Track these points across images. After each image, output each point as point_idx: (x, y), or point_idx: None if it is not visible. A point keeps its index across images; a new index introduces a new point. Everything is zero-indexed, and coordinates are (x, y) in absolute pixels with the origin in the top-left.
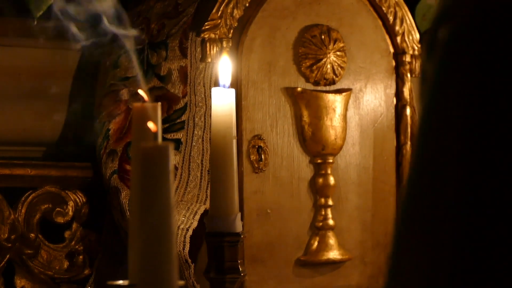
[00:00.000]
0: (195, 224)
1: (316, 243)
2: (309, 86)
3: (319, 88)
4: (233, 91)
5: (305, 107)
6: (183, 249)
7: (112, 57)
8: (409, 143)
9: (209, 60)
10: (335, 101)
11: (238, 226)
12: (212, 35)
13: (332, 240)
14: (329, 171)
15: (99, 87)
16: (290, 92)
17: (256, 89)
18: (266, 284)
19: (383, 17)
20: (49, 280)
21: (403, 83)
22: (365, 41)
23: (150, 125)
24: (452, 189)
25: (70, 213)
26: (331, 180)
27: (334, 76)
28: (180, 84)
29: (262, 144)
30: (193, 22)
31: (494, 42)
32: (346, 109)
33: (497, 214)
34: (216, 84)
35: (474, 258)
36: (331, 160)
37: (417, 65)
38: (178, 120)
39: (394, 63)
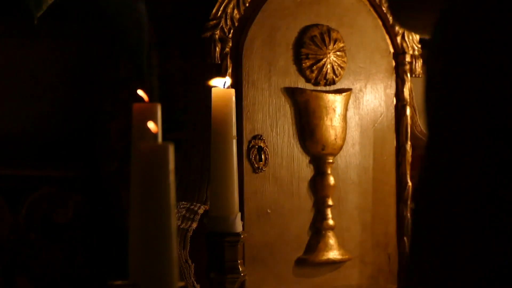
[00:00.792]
0: (195, 224)
1: (316, 243)
2: (309, 86)
3: (319, 88)
4: (233, 91)
5: (305, 107)
6: (183, 249)
7: (113, 57)
8: (409, 143)
9: (209, 60)
10: (335, 101)
11: (238, 226)
12: (212, 35)
13: (332, 240)
14: (329, 171)
15: (99, 87)
16: (290, 92)
17: (256, 89)
18: (266, 284)
19: (383, 17)
20: (49, 280)
21: (403, 83)
22: (365, 41)
23: (150, 125)
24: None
25: (70, 213)
26: (331, 180)
27: (334, 76)
28: (180, 84)
29: (262, 144)
30: (193, 22)
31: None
32: (346, 109)
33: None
34: (216, 84)
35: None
36: (331, 160)
37: (417, 65)
38: (178, 120)
39: (394, 63)
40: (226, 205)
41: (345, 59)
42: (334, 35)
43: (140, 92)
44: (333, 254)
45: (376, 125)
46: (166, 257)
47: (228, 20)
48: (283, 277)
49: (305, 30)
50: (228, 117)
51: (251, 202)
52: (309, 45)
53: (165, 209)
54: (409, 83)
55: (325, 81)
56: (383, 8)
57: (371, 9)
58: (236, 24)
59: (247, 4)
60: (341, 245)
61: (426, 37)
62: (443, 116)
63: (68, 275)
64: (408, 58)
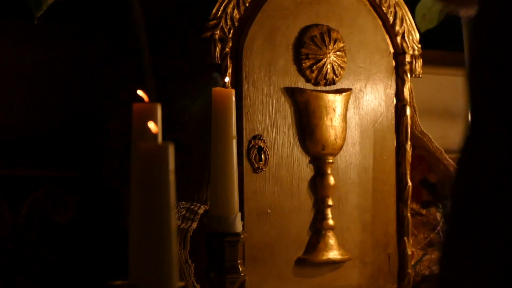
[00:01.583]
0: (195, 224)
1: (316, 243)
2: (309, 86)
3: (319, 88)
4: (233, 91)
5: (305, 107)
6: (183, 249)
7: (113, 57)
8: (409, 143)
9: (209, 60)
10: (335, 101)
11: (238, 226)
12: (212, 35)
13: (332, 240)
14: (329, 171)
15: (99, 87)
16: (290, 92)
17: (256, 89)
18: (266, 284)
19: (383, 17)
20: (49, 280)
21: (403, 83)
22: (365, 41)
23: (150, 125)
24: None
25: (70, 213)
26: (331, 180)
27: (334, 76)
28: (180, 84)
29: (262, 144)
30: (194, 22)
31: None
32: (346, 109)
33: None
34: (216, 84)
35: None
36: (331, 160)
37: (417, 65)
38: (178, 120)
39: (394, 63)
40: (226, 205)
41: (345, 59)
42: (334, 35)
43: (140, 92)
44: (333, 254)
45: (376, 125)
46: (166, 257)
47: (228, 20)
48: (283, 277)
49: (305, 30)
50: (228, 117)
51: (251, 202)
52: (309, 45)
53: (165, 209)
54: (409, 83)
55: (325, 81)
56: (383, 8)
57: (371, 9)
58: (236, 24)
59: (247, 4)
60: (341, 245)
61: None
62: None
63: (68, 275)
64: (408, 58)
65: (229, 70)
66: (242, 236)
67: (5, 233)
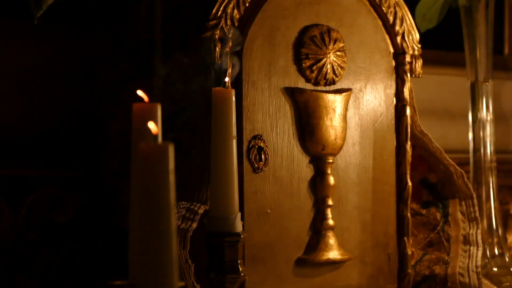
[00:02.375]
0: (195, 224)
1: (316, 243)
2: (309, 86)
3: (319, 88)
4: (233, 91)
5: (305, 107)
6: (183, 249)
7: (113, 57)
8: (409, 143)
9: (209, 60)
10: (335, 101)
11: (238, 226)
12: (212, 35)
13: (332, 240)
14: (329, 171)
15: (99, 87)
16: (290, 92)
17: (256, 89)
18: (266, 284)
19: (383, 17)
20: (49, 280)
21: (403, 83)
22: (365, 41)
23: (150, 125)
24: None
25: (70, 213)
26: (331, 180)
27: (334, 76)
28: (180, 84)
29: (262, 144)
30: (193, 22)
31: None
32: (346, 109)
33: None
34: (216, 84)
35: None
36: (331, 160)
37: (417, 65)
38: (178, 120)
39: (394, 63)
40: (226, 205)
41: (345, 59)
42: (334, 35)
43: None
44: (333, 254)
45: (376, 125)
46: (166, 257)
47: (228, 20)
48: (283, 277)
49: (305, 30)
50: (228, 117)
51: (251, 202)
52: (309, 45)
53: (165, 209)
54: (409, 83)
55: (325, 81)
56: (383, 8)
57: (371, 9)
58: (236, 24)
59: (247, 4)
60: (341, 245)
61: None
62: None
63: (68, 275)
64: (408, 58)
65: (229, 70)
66: (242, 236)
67: (5, 233)
